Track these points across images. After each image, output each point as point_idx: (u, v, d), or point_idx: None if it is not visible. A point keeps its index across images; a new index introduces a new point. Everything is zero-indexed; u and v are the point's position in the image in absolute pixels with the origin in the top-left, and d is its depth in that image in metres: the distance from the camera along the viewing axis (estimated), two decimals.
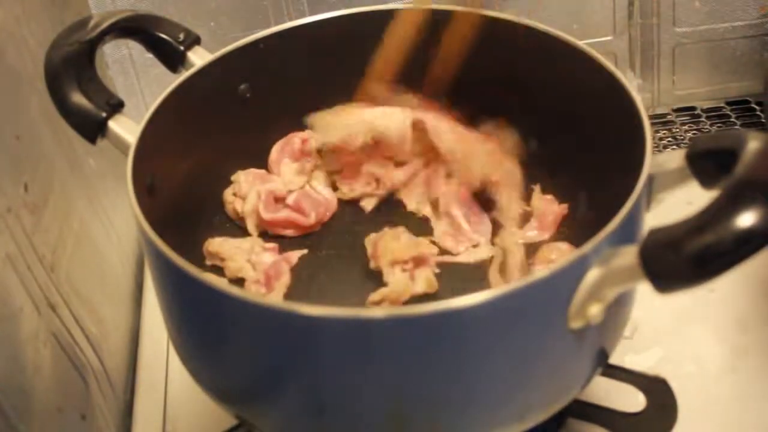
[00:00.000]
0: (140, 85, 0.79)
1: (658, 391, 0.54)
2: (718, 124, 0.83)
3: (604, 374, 0.52)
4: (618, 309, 0.46)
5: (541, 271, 0.39)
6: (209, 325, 0.44)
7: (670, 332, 0.62)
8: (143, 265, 0.75)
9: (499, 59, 0.59)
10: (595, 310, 0.41)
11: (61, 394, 0.53)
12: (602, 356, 0.47)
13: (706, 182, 0.43)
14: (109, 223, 0.71)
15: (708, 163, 0.43)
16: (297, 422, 0.45)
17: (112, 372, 0.63)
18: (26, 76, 0.59)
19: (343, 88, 0.62)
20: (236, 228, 0.61)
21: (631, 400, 0.55)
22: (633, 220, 0.43)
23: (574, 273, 0.40)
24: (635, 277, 0.38)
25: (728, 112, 0.84)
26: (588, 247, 0.40)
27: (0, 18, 0.57)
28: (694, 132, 0.83)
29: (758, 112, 0.83)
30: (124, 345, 0.68)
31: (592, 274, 0.40)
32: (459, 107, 0.60)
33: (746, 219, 0.34)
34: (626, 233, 0.42)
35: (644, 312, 0.49)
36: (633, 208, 0.43)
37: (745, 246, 0.34)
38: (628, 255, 0.38)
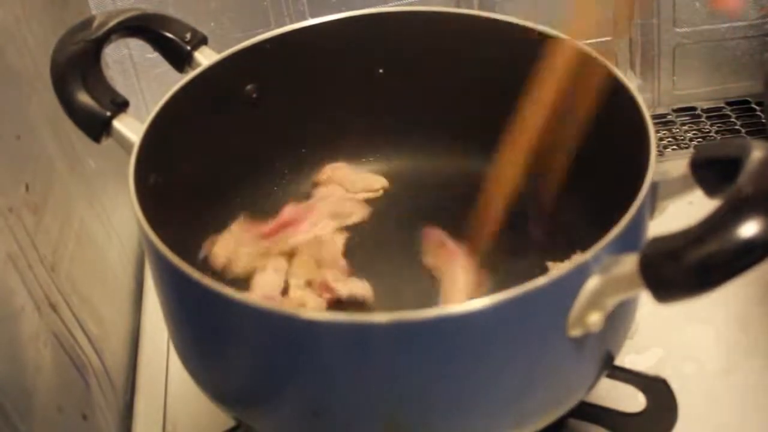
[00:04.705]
0: (140, 85, 0.79)
1: (658, 391, 0.54)
2: (718, 125, 0.83)
3: None
4: (622, 314, 0.46)
5: (541, 278, 0.39)
6: (209, 327, 0.44)
7: (670, 332, 0.62)
8: (143, 265, 0.75)
9: (492, 60, 0.59)
10: (594, 318, 0.40)
11: (61, 394, 0.53)
12: (606, 362, 0.47)
13: (709, 191, 0.43)
14: (109, 223, 0.71)
15: (711, 171, 0.42)
16: (295, 426, 0.45)
17: (113, 372, 0.63)
18: (26, 76, 0.59)
19: (350, 89, 0.62)
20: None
21: (631, 400, 0.55)
22: (635, 228, 0.43)
23: (574, 281, 0.40)
24: (635, 286, 0.38)
25: (728, 112, 0.84)
26: (589, 254, 0.40)
27: (0, 18, 0.57)
28: (694, 132, 0.83)
29: (758, 112, 0.83)
30: (125, 345, 0.68)
31: (592, 283, 0.40)
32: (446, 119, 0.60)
33: (748, 229, 0.34)
34: (628, 241, 0.42)
35: (644, 312, 0.49)
36: (635, 216, 0.42)
37: (746, 256, 0.34)
38: (628, 264, 0.38)
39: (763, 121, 0.82)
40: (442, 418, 0.43)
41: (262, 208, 0.63)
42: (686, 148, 0.81)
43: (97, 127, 0.52)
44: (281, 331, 0.41)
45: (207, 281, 0.41)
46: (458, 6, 0.79)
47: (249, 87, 0.60)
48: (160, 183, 0.52)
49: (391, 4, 0.77)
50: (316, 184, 0.65)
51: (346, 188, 0.65)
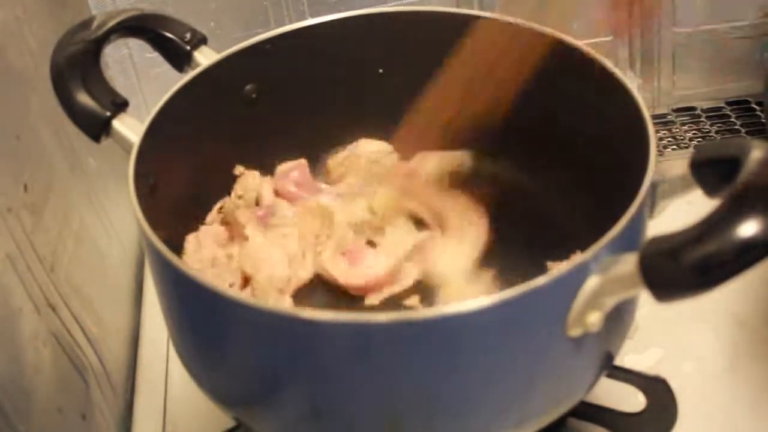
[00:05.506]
0: (140, 85, 0.79)
1: (658, 391, 0.54)
2: (718, 124, 0.83)
3: None
4: (622, 314, 0.46)
5: (541, 278, 0.39)
6: (209, 327, 0.44)
7: (670, 332, 0.62)
8: (143, 265, 0.75)
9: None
10: (593, 318, 0.40)
11: (61, 394, 0.53)
12: (605, 362, 0.47)
13: (709, 190, 0.43)
14: (109, 223, 0.71)
15: (711, 171, 0.42)
16: (295, 426, 0.45)
17: (113, 372, 0.63)
18: (26, 76, 0.59)
19: (350, 90, 0.62)
20: None
21: (631, 400, 0.55)
22: (635, 228, 0.43)
23: (573, 280, 0.40)
24: (634, 285, 0.38)
25: (728, 112, 0.84)
26: (588, 254, 0.40)
27: (0, 18, 0.57)
28: (694, 132, 0.83)
29: (758, 112, 0.83)
30: (125, 345, 0.68)
31: (592, 282, 0.40)
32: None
33: (748, 229, 0.34)
34: (628, 241, 0.41)
35: (644, 312, 0.49)
36: (635, 216, 0.42)
37: (746, 256, 0.34)
38: (628, 263, 0.38)
39: (763, 121, 0.82)
40: (442, 417, 0.43)
41: None
42: (686, 148, 0.81)
43: (96, 127, 0.52)
44: (281, 331, 0.41)
45: (207, 281, 0.41)
46: (458, 6, 0.79)
47: (249, 87, 0.60)
48: (160, 183, 0.52)
49: (391, 4, 0.77)
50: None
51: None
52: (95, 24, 0.55)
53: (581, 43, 0.55)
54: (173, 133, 0.53)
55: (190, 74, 0.56)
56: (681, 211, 0.62)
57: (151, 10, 0.59)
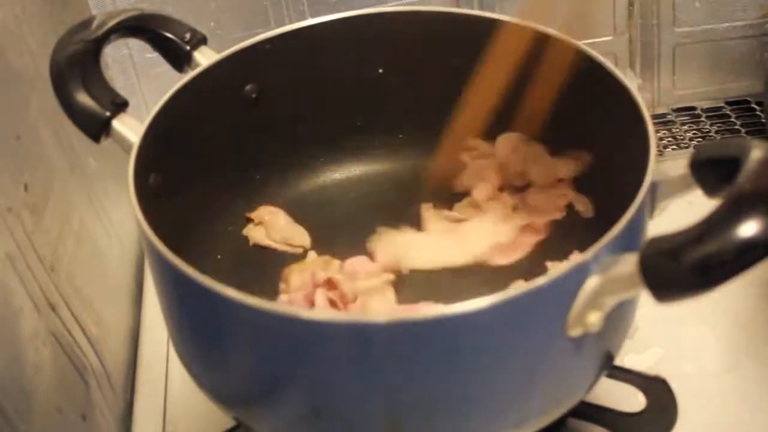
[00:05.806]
0: (140, 85, 0.79)
1: (658, 391, 0.54)
2: (718, 124, 0.83)
3: None
4: (622, 314, 0.46)
5: (540, 278, 0.39)
6: (209, 327, 0.44)
7: (670, 332, 0.62)
8: (143, 265, 0.75)
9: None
10: (593, 318, 0.40)
11: (61, 394, 0.53)
12: (605, 361, 0.47)
13: (709, 190, 0.43)
14: (109, 223, 0.71)
15: (711, 171, 0.42)
16: (295, 426, 0.45)
17: (113, 372, 0.63)
18: (26, 76, 0.59)
19: (350, 89, 0.62)
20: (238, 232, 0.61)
21: (631, 400, 0.55)
22: (635, 228, 0.43)
23: (573, 280, 0.40)
24: (634, 285, 0.38)
25: (728, 112, 0.84)
26: (588, 254, 0.40)
27: (0, 18, 0.57)
28: (694, 132, 0.83)
29: (758, 112, 0.83)
30: (124, 345, 0.68)
31: (592, 282, 0.40)
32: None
33: (748, 229, 0.34)
34: (628, 241, 0.41)
35: (644, 312, 0.49)
36: (635, 216, 0.42)
37: (746, 256, 0.34)
38: (628, 263, 0.38)
39: (763, 121, 0.82)
40: (442, 418, 0.43)
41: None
42: (686, 147, 0.81)
43: (96, 127, 0.52)
44: (281, 331, 0.41)
45: (207, 281, 0.41)
46: (458, 6, 0.79)
47: (249, 87, 0.60)
48: (160, 183, 0.52)
49: (391, 4, 0.77)
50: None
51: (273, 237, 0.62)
52: (95, 24, 0.54)
53: (581, 43, 0.55)
54: (173, 133, 0.53)
55: (190, 74, 0.56)
56: (681, 211, 0.62)
57: (151, 10, 0.59)
